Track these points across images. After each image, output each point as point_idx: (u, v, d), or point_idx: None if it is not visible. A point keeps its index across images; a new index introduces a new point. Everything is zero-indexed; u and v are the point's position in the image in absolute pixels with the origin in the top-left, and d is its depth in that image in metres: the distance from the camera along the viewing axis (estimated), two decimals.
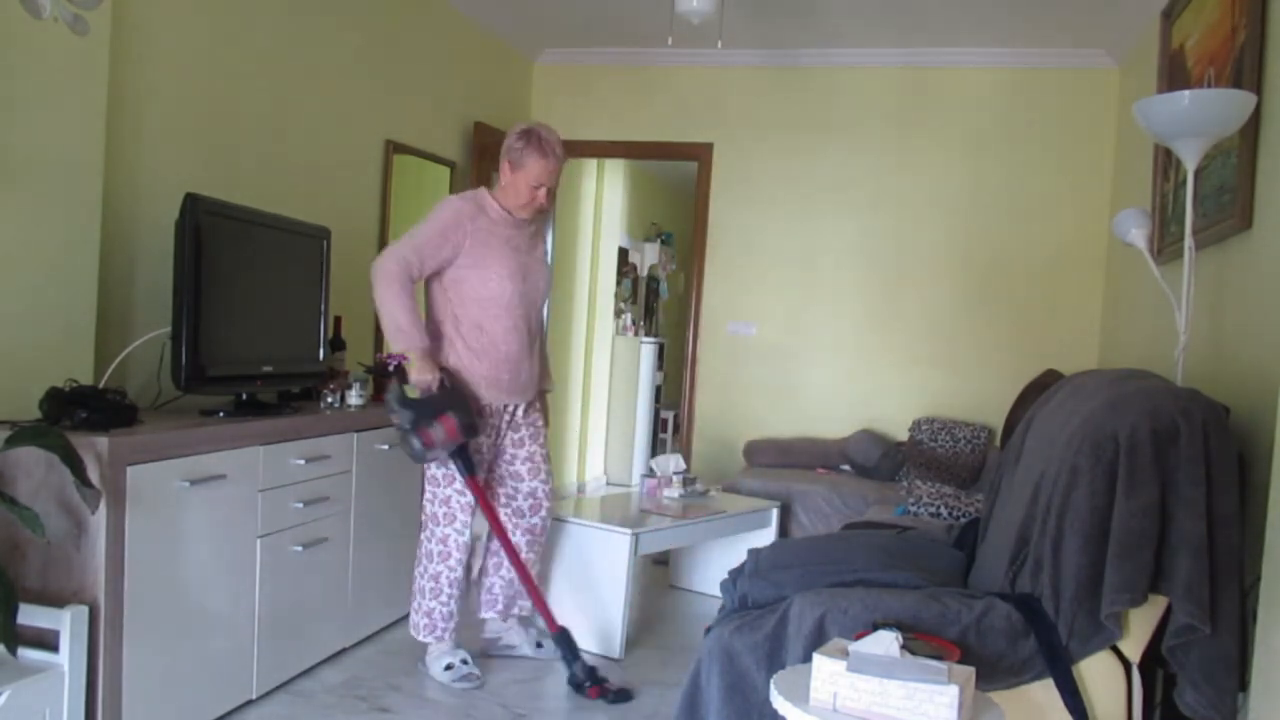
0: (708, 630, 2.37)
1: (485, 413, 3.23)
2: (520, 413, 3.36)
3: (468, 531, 3.23)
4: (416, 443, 2.97)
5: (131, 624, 2.39)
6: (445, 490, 3.21)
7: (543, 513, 3.44)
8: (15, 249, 2.50)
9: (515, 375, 3.25)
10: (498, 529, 3.24)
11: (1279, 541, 1.81)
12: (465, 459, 3.12)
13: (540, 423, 3.44)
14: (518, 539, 3.39)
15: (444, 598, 3.24)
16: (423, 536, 3.28)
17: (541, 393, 3.48)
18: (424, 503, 3.28)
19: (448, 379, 3.11)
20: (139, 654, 2.42)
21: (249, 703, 2.89)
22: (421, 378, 3.03)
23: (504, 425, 3.34)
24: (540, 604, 3.27)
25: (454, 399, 3.07)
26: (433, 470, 3.22)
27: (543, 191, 3.16)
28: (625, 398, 7.73)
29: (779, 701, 1.83)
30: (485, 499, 3.18)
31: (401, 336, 3.03)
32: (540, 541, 3.47)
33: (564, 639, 3.20)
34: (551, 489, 3.46)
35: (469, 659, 3.24)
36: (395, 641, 3.55)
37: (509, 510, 3.40)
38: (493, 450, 3.33)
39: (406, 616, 3.77)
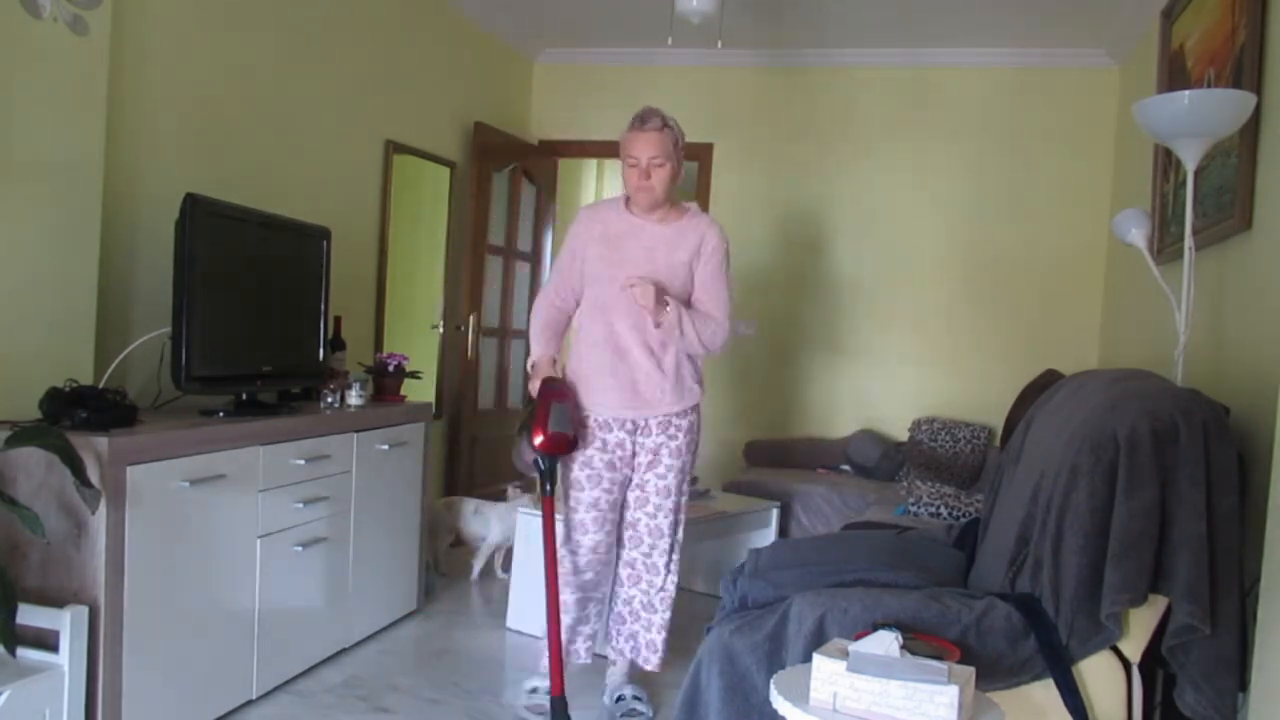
0: (708, 630, 2.37)
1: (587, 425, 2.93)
2: (647, 432, 2.94)
3: (583, 552, 2.94)
4: (517, 455, 2.94)
5: (131, 624, 2.39)
6: (566, 506, 2.97)
7: (643, 547, 2.99)
8: (15, 249, 2.50)
9: (614, 384, 2.91)
10: (548, 559, 2.81)
11: (1279, 541, 1.81)
12: (550, 473, 2.86)
13: (669, 447, 2.95)
14: (619, 572, 3.06)
15: (565, 619, 2.92)
16: None
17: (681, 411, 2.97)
18: None
19: (564, 387, 2.90)
20: (139, 654, 2.42)
21: (249, 703, 2.88)
22: (531, 384, 2.98)
23: (631, 444, 2.94)
24: (555, 660, 2.75)
25: (550, 409, 2.82)
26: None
27: (640, 168, 2.81)
28: None
29: (779, 701, 1.83)
30: (550, 523, 2.84)
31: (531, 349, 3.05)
32: (643, 589, 3.02)
33: (559, 706, 2.76)
34: (667, 527, 2.97)
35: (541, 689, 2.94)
36: (395, 641, 3.54)
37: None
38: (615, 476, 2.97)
39: (406, 616, 3.78)
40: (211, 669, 2.71)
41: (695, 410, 3.00)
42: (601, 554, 2.98)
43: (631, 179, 2.84)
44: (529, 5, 4.94)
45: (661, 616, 3.04)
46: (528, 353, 3.11)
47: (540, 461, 2.83)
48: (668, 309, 2.77)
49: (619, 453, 2.92)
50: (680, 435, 2.95)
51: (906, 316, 5.32)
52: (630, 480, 2.97)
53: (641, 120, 2.82)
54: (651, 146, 2.80)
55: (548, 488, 2.84)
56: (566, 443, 2.84)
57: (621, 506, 3.00)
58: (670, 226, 2.91)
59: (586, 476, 2.92)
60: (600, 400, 2.91)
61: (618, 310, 2.86)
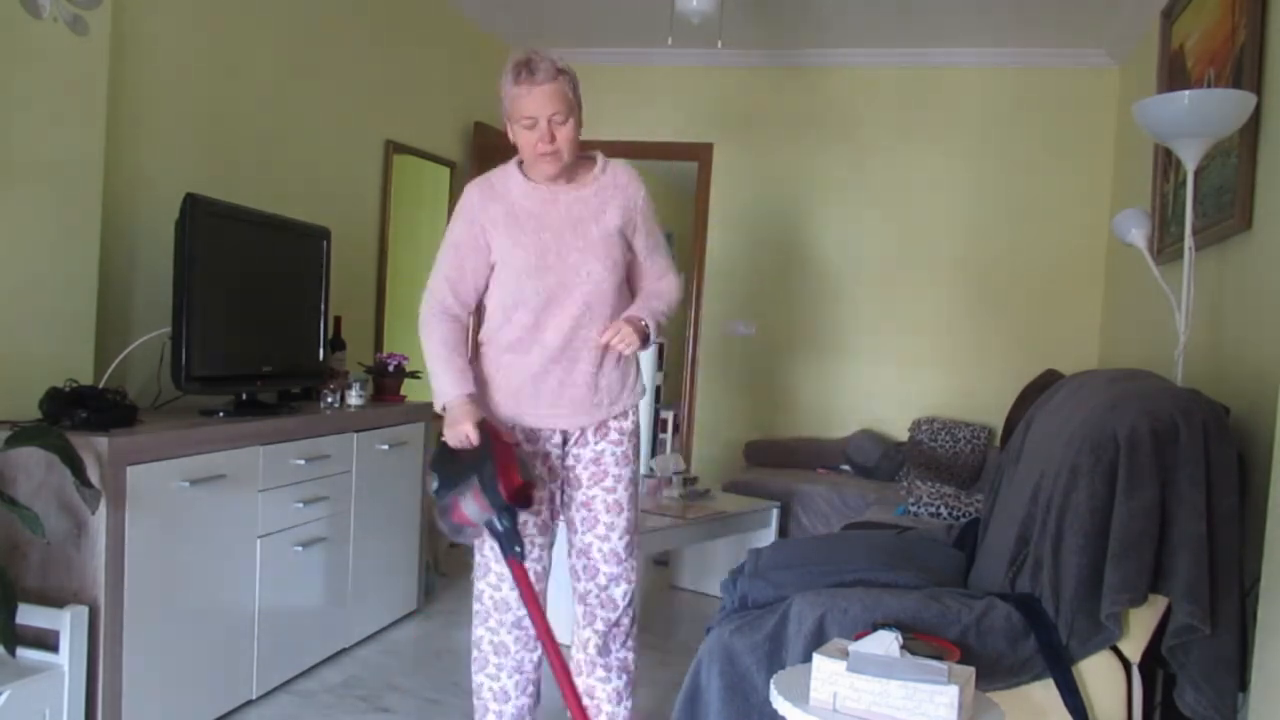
0: (708, 630, 2.37)
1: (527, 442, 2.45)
2: (583, 442, 2.45)
3: (502, 631, 2.43)
4: (445, 519, 2.25)
5: (131, 624, 2.39)
6: (479, 582, 2.46)
7: (599, 578, 2.45)
8: (15, 249, 2.50)
9: (552, 395, 2.40)
10: (540, 630, 2.16)
11: (1279, 541, 1.81)
12: (506, 534, 2.20)
13: (614, 454, 2.46)
14: (575, 608, 2.52)
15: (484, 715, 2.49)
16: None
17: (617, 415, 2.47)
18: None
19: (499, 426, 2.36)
20: (139, 654, 2.42)
21: (249, 703, 2.88)
22: (451, 431, 2.30)
23: (557, 461, 2.47)
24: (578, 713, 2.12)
25: (514, 455, 2.28)
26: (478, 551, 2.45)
27: (540, 129, 2.25)
28: None
29: (779, 702, 1.83)
30: (529, 589, 2.21)
31: (434, 387, 2.40)
32: (598, 629, 2.47)
33: None
34: (623, 550, 2.45)
35: None
36: (395, 641, 3.54)
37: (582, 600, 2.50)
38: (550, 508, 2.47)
39: (407, 616, 3.78)
40: (211, 669, 2.71)
41: (636, 408, 2.51)
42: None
43: (529, 145, 2.27)
44: (529, 5, 4.94)
45: (619, 658, 2.49)
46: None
47: (499, 520, 2.18)
48: (646, 331, 2.34)
49: (545, 466, 2.44)
50: (625, 440, 2.45)
51: (906, 316, 5.32)
52: (556, 501, 2.47)
53: (529, 69, 2.22)
54: (550, 101, 2.23)
55: (516, 549, 2.20)
56: (533, 492, 2.30)
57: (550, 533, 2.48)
58: (588, 188, 2.36)
59: None
60: (526, 410, 2.39)
61: (546, 306, 2.32)
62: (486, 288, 2.44)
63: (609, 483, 2.44)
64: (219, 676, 2.75)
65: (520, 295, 2.33)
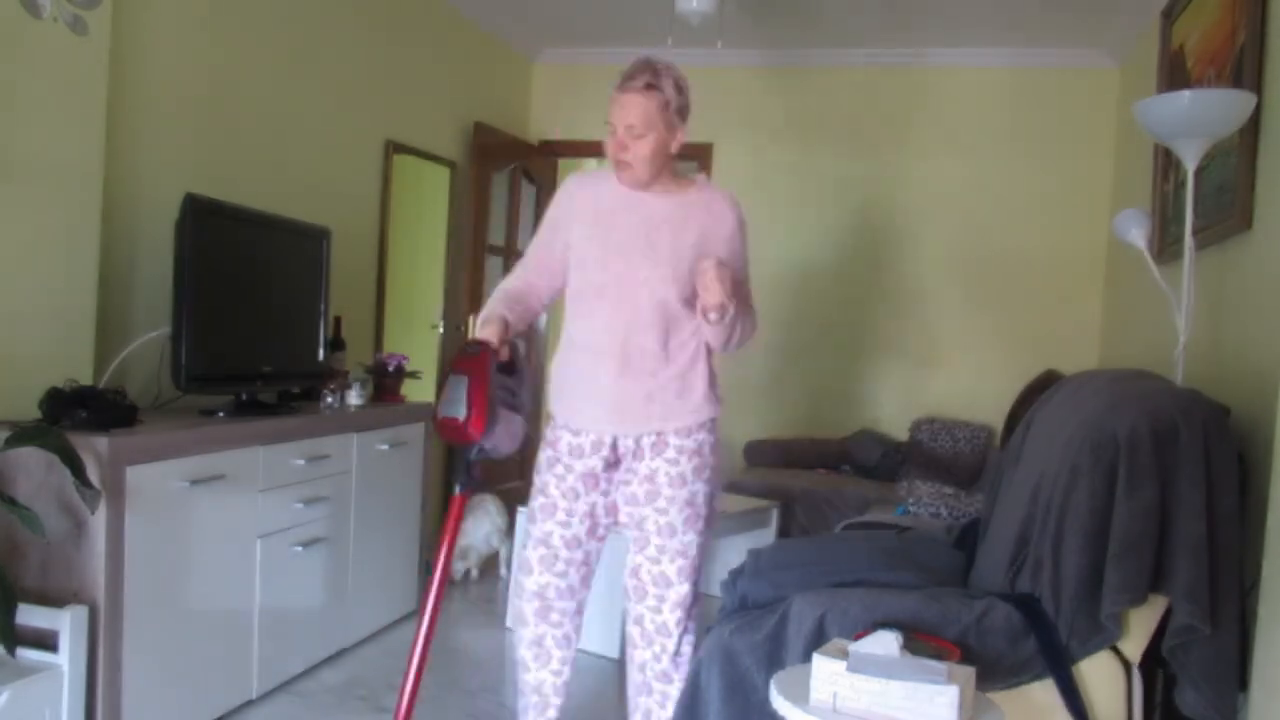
0: (708, 630, 2.37)
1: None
2: (639, 455, 2.35)
3: (550, 588, 2.38)
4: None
5: (131, 624, 2.39)
6: (545, 574, 2.39)
7: (648, 600, 2.36)
8: (15, 249, 2.50)
9: (586, 389, 2.35)
10: (433, 601, 2.22)
11: (1279, 541, 1.81)
12: (466, 467, 2.21)
13: (670, 474, 2.34)
14: (628, 630, 2.44)
15: (521, 686, 2.47)
16: None
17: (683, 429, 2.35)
18: None
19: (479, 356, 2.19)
20: (139, 654, 2.42)
21: (249, 703, 2.88)
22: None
23: (609, 471, 2.38)
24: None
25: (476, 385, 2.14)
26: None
27: (616, 137, 2.26)
28: None
29: (779, 702, 1.83)
30: (451, 534, 2.22)
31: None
32: (655, 653, 2.38)
33: None
34: (674, 574, 2.34)
35: None
36: (395, 641, 3.54)
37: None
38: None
39: (406, 616, 3.78)
40: (211, 669, 2.71)
41: (707, 428, 2.36)
42: (551, 600, 2.40)
43: (607, 149, 2.29)
44: (529, 5, 4.94)
45: (680, 689, 2.38)
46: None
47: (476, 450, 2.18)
48: (727, 298, 2.18)
49: (579, 483, 2.36)
50: (683, 459, 2.32)
51: (906, 316, 5.31)
52: (606, 516, 2.42)
53: (627, 75, 2.26)
54: (629, 111, 2.23)
55: (459, 481, 2.23)
56: (452, 429, 2.13)
57: (597, 550, 2.46)
58: (672, 200, 2.33)
59: (540, 506, 2.39)
60: (575, 409, 2.37)
61: (603, 305, 2.31)
62: (564, 277, 2.42)
63: (661, 503, 2.32)
64: (219, 676, 2.74)
65: (582, 290, 2.34)
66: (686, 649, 2.39)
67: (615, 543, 3.54)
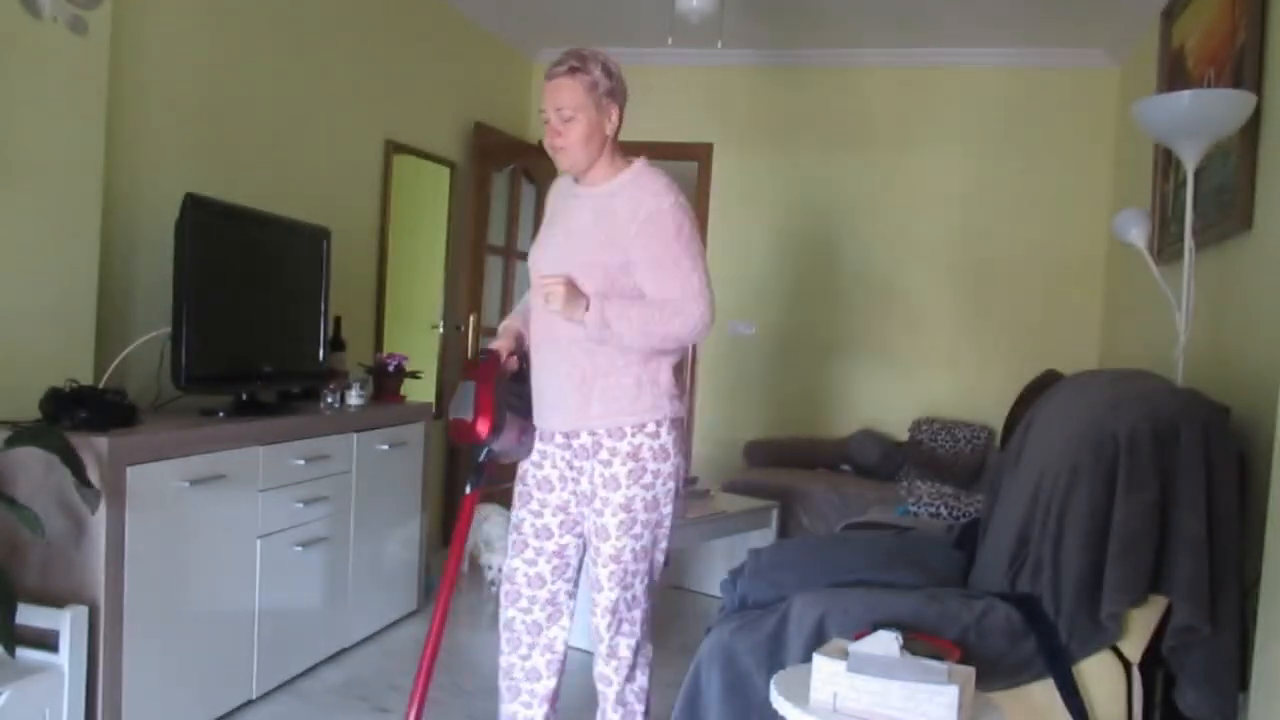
0: (708, 630, 2.37)
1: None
2: (585, 454, 2.31)
3: (518, 573, 2.39)
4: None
5: (131, 624, 2.39)
6: (514, 559, 2.42)
7: (596, 607, 2.34)
8: (15, 249, 2.50)
9: (542, 392, 2.37)
10: (440, 603, 2.29)
11: (1279, 541, 1.81)
12: (476, 466, 2.36)
13: (604, 476, 2.27)
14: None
15: (501, 677, 2.46)
16: None
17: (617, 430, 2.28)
18: None
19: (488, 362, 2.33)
20: (139, 654, 2.42)
21: (249, 703, 2.88)
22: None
23: (568, 465, 2.36)
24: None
25: (501, 385, 2.31)
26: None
27: (552, 122, 2.28)
28: None
29: (779, 702, 1.83)
30: (461, 531, 2.37)
31: None
32: (600, 670, 2.38)
33: None
34: (606, 580, 2.30)
35: None
36: (395, 641, 3.54)
37: None
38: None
39: (407, 616, 3.78)
40: (211, 669, 2.71)
41: (647, 432, 2.25)
42: (521, 587, 2.39)
43: (546, 140, 2.32)
44: (529, 5, 4.94)
45: (628, 692, 2.38)
46: None
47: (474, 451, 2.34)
48: (585, 310, 2.18)
49: (553, 472, 2.37)
50: (616, 462, 2.24)
51: (906, 316, 5.32)
52: (570, 510, 2.38)
53: (554, 64, 2.27)
54: (558, 95, 2.23)
55: (470, 479, 2.37)
56: (462, 430, 2.26)
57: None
58: (599, 190, 2.30)
59: (519, 493, 2.42)
60: (536, 409, 2.39)
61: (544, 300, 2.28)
62: None
63: (597, 504, 2.28)
64: (219, 676, 2.74)
65: (534, 289, 2.33)
66: (625, 653, 2.35)
67: None
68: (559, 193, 2.44)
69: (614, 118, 2.28)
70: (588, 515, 2.31)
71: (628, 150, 2.36)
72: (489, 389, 2.24)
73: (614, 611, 2.31)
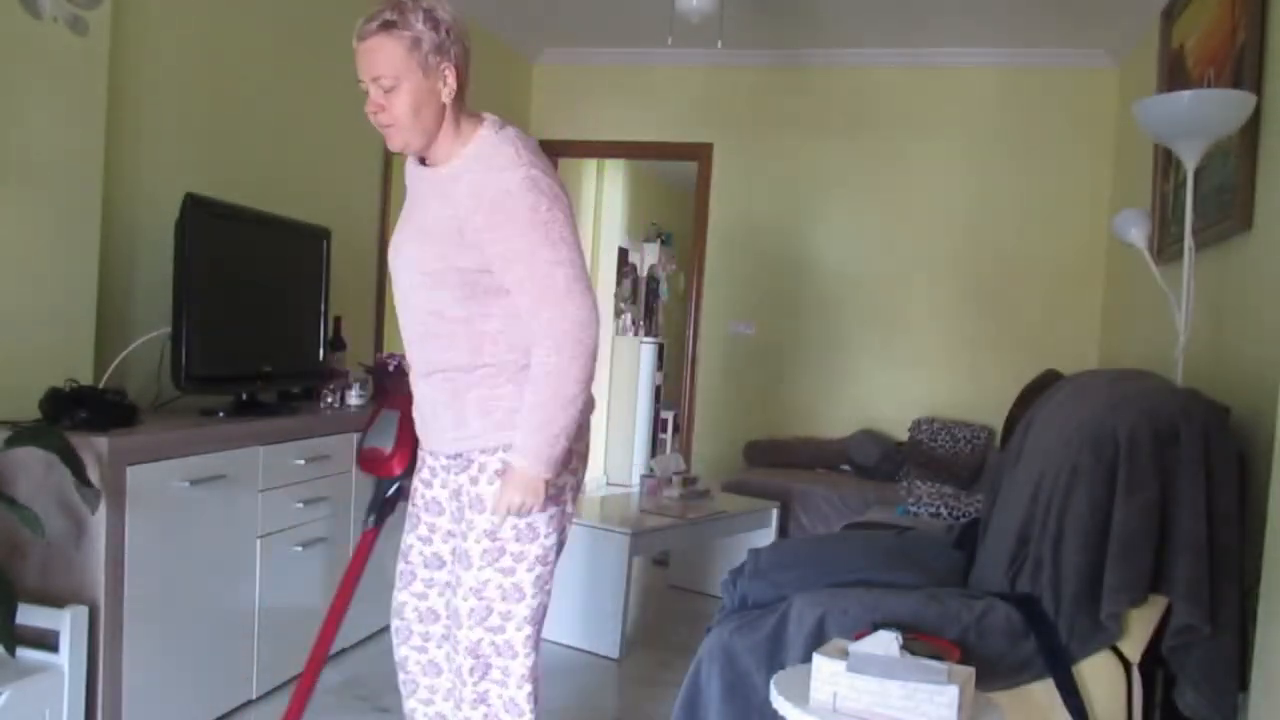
0: (708, 630, 2.37)
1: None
2: (438, 472, 2.03)
3: (407, 607, 2.09)
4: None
5: (131, 624, 2.39)
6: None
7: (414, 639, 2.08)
8: (15, 249, 2.50)
9: (419, 406, 2.03)
10: (328, 624, 2.15)
11: (1279, 541, 1.81)
12: (380, 501, 2.21)
13: (473, 490, 1.92)
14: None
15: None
16: None
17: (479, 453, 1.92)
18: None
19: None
20: (139, 654, 2.42)
21: (249, 703, 2.88)
22: None
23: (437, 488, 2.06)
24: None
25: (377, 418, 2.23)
26: None
27: (371, 94, 1.88)
28: (625, 398, 7.73)
29: (779, 702, 1.83)
30: (355, 569, 2.18)
31: None
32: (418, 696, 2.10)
33: None
34: (468, 616, 1.92)
35: None
36: None
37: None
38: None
39: None
40: (211, 669, 2.71)
41: (480, 466, 1.89)
42: (410, 621, 2.09)
43: (369, 115, 1.89)
44: (529, 5, 4.94)
45: None
46: None
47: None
48: (545, 478, 1.82)
49: (442, 492, 2.03)
50: (483, 479, 1.90)
51: (906, 316, 5.32)
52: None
53: (365, 20, 1.88)
54: (373, 59, 1.83)
55: (370, 516, 2.18)
56: (375, 460, 2.14)
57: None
58: (442, 171, 1.90)
59: (408, 514, 2.12)
60: (420, 427, 2.07)
61: (400, 306, 1.98)
62: None
63: (463, 526, 1.93)
64: (219, 676, 2.74)
65: None
66: (496, 704, 1.93)
67: (608, 540, 3.55)
68: (409, 174, 1.98)
69: (450, 79, 1.83)
70: (456, 535, 1.97)
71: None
72: (411, 424, 2.07)
73: (476, 654, 1.91)
